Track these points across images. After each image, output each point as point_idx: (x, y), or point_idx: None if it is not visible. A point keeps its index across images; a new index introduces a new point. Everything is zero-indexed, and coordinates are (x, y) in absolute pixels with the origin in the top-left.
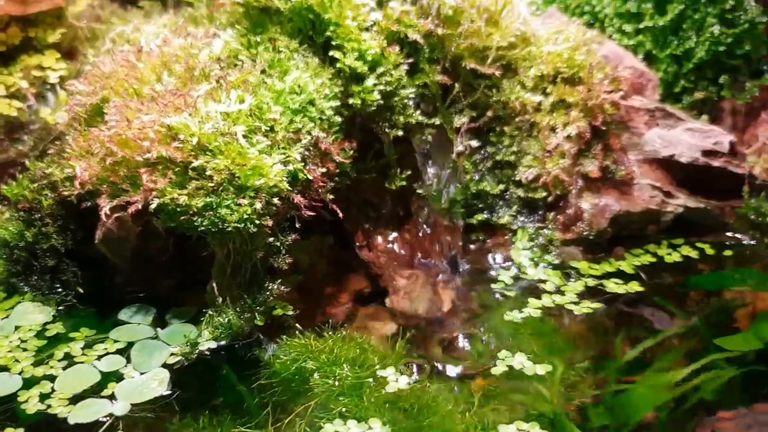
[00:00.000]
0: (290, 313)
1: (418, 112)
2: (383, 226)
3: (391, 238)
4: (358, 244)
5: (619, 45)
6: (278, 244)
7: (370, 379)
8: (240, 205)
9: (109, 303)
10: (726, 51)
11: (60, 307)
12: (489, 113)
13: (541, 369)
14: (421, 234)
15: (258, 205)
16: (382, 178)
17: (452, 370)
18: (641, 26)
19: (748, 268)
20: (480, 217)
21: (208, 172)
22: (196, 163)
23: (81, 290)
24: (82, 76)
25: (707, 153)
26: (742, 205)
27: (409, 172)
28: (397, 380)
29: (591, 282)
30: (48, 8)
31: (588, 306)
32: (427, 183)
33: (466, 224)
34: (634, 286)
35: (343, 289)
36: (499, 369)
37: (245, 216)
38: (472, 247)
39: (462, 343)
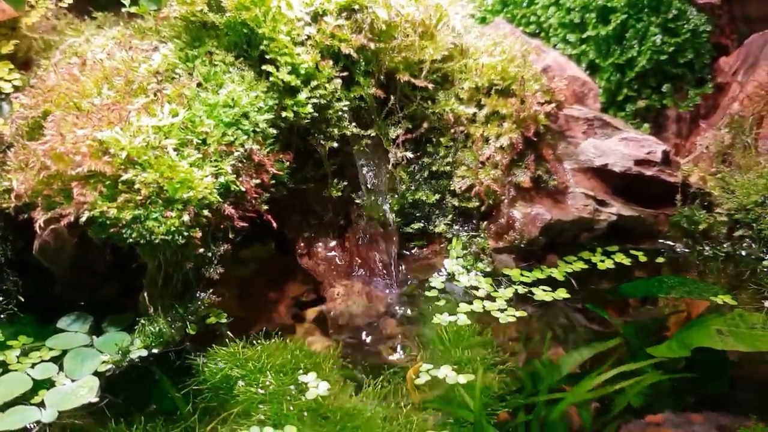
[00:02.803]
0: (224, 321)
1: (354, 124)
2: (324, 233)
3: (331, 245)
4: (298, 251)
5: (563, 54)
6: (210, 254)
7: (292, 387)
8: (167, 217)
9: (50, 311)
10: (668, 59)
11: (1, 315)
12: (425, 124)
13: (464, 378)
14: (359, 242)
15: (186, 218)
16: (323, 187)
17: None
18: (584, 36)
19: (678, 276)
20: (417, 225)
21: (137, 186)
22: (125, 177)
23: (22, 299)
24: (26, 90)
25: (640, 162)
26: (676, 213)
27: (346, 183)
28: (317, 386)
29: (521, 289)
30: (1, 19)
31: (512, 314)
32: (365, 193)
33: (403, 232)
34: (562, 294)
35: (283, 296)
36: (421, 380)
37: (173, 228)
38: (409, 254)
39: (393, 347)
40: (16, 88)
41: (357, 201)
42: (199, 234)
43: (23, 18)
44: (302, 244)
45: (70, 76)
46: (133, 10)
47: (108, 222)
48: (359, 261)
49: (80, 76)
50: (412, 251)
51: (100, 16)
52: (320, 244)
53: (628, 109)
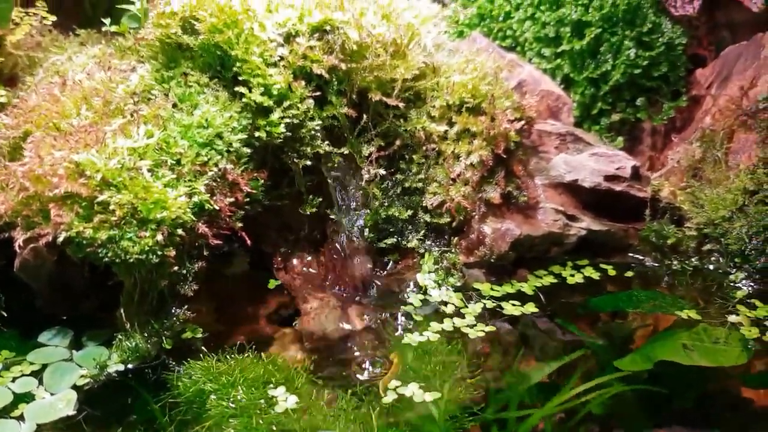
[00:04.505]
0: (199, 336)
1: (327, 142)
2: (300, 248)
3: (307, 260)
4: (275, 266)
5: (538, 68)
6: (185, 272)
7: (263, 401)
8: (142, 237)
9: (33, 325)
10: (643, 73)
11: None
12: (398, 142)
13: (430, 396)
14: (335, 257)
15: (159, 237)
16: (299, 203)
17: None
18: (559, 50)
19: (646, 290)
20: (390, 240)
21: (112, 207)
22: (100, 198)
23: (5, 314)
24: (8, 109)
25: (610, 178)
26: (645, 227)
27: (320, 199)
28: (286, 400)
29: (490, 304)
30: None
31: (482, 329)
32: (338, 209)
33: (377, 247)
34: (530, 308)
35: (259, 310)
36: (389, 398)
37: (147, 248)
38: (382, 269)
39: (364, 362)
40: (2, 105)
41: (332, 217)
42: (173, 253)
43: (8, 35)
44: (279, 259)
45: (51, 96)
46: (113, 29)
47: (84, 242)
48: (334, 275)
49: (60, 96)
50: (386, 265)
51: (83, 33)
52: (296, 258)
53: (603, 122)
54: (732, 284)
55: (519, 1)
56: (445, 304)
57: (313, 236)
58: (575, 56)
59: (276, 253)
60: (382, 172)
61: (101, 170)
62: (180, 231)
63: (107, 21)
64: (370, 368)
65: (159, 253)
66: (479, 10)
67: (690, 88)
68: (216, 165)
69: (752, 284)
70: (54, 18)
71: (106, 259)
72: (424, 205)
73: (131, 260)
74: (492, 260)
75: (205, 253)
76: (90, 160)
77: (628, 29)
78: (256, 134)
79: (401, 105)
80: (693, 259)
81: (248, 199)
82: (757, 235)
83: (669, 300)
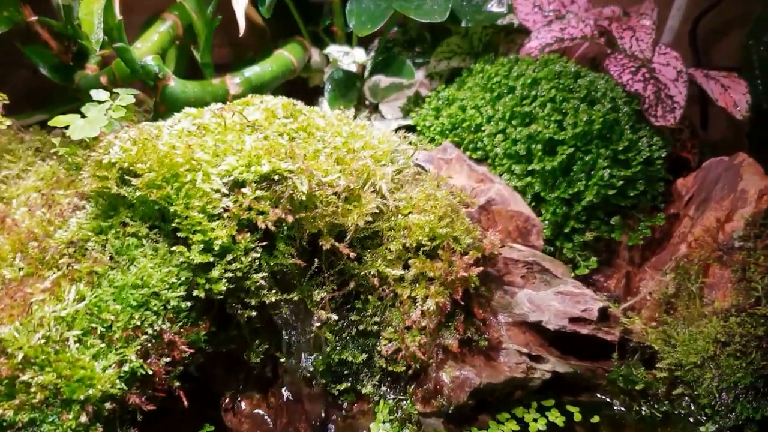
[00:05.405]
0: None
1: (274, 290)
2: (250, 388)
3: (256, 400)
4: (223, 407)
5: (509, 185)
6: None
7: None
8: (65, 420)
9: None
10: (618, 193)
11: None
12: (352, 284)
13: None
14: (285, 400)
15: (84, 419)
16: (246, 345)
17: None
18: (530, 168)
19: None
20: (344, 385)
21: (33, 388)
22: (22, 378)
23: None
24: None
25: (575, 320)
26: (613, 369)
27: (267, 346)
28: None
29: None
30: None
31: None
32: (288, 354)
33: (329, 392)
34: None
35: None
36: None
37: (70, 431)
38: (335, 414)
39: None
40: None
41: (281, 360)
42: (99, 430)
43: None
44: (227, 399)
45: None
46: (62, 152)
47: (4, 424)
48: (284, 421)
49: None
50: (341, 407)
51: (38, 139)
52: (245, 399)
53: (576, 240)
54: None
55: (490, 114)
56: None
57: (264, 374)
58: (546, 175)
59: (224, 392)
60: (334, 317)
61: (23, 347)
62: (108, 404)
63: (56, 141)
64: None
65: None
66: (450, 120)
67: (669, 203)
68: (151, 326)
69: None
70: (9, 122)
71: None
72: (379, 349)
73: None
74: (450, 411)
75: (139, 418)
76: (12, 336)
77: (603, 147)
78: (194, 293)
79: (352, 255)
80: (664, 403)
81: (187, 354)
82: (728, 391)
83: None
